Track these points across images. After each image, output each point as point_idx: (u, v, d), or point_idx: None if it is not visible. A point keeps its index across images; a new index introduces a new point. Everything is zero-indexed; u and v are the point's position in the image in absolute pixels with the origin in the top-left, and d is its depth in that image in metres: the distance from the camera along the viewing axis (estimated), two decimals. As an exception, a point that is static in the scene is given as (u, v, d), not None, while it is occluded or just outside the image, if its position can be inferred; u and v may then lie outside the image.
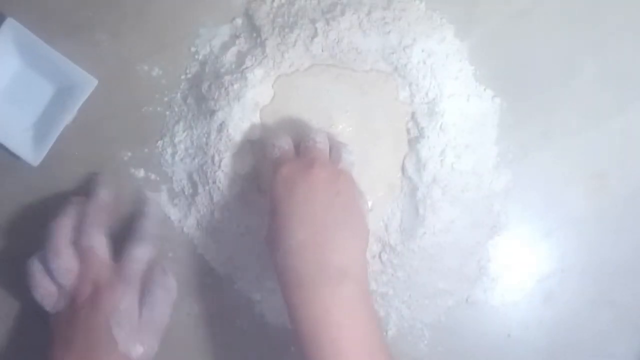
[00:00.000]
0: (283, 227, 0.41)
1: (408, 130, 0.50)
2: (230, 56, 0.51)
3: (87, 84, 0.49)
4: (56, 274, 0.45)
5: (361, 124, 0.50)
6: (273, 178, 0.43)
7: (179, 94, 0.52)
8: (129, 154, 0.52)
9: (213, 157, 0.49)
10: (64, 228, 0.46)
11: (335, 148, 0.46)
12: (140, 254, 0.47)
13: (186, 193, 0.52)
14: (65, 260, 0.45)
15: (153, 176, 0.52)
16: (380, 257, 0.50)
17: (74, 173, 0.52)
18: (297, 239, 0.40)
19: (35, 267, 0.46)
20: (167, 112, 0.52)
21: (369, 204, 0.48)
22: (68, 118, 0.50)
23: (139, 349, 0.43)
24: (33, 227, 0.52)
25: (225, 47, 0.52)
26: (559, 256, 0.51)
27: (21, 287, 0.53)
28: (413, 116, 0.50)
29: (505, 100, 0.51)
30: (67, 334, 0.43)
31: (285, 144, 0.46)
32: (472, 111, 0.50)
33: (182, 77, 0.53)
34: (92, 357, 0.42)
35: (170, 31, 0.53)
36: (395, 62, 0.50)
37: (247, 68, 0.49)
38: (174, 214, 0.52)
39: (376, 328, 0.41)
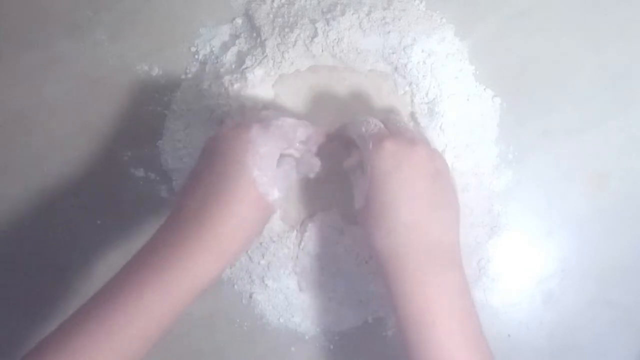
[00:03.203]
0: (389, 204, 0.40)
1: (408, 130, 0.50)
2: (230, 56, 0.51)
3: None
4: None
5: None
6: (375, 153, 0.41)
7: (179, 94, 0.52)
8: (129, 154, 0.52)
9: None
10: None
11: (417, 130, 0.46)
12: (290, 120, 0.43)
13: (186, 193, 0.52)
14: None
15: (153, 176, 0.52)
16: (380, 257, 0.50)
17: (74, 173, 0.52)
18: (404, 218, 0.39)
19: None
20: (167, 112, 0.52)
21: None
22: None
23: (275, 194, 0.41)
24: (33, 227, 0.53)
25: (225, 47, 0.52)
26: (559, 256, 0.51)
27: (22, 286, 0.53)
28: (413, 116, 0.50)
29: (505, 100, 0.51)
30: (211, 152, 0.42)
31: (378, 122, 0.44)
32: (472, 111, 0.50)
33: (182, 77, 0.53)
34: (229, 186, 0.39)
35: (170, 31, 0.53)
36: (395, 62, 0.50)
37: (247, 68, 0.49)
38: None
39: (476, 316, 0.40)
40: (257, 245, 0.50)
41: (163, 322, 0.37)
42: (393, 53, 0.49)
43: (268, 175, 0.40)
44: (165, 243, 0.38)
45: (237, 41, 0.52)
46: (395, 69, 0.50)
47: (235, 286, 0.52)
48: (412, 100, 0.50)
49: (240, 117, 0.49)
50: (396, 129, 0.44)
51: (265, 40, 0.50)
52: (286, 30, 0.50)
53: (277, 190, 0.41)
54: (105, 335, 0.35)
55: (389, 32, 0.49)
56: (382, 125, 0.44)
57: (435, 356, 0.38)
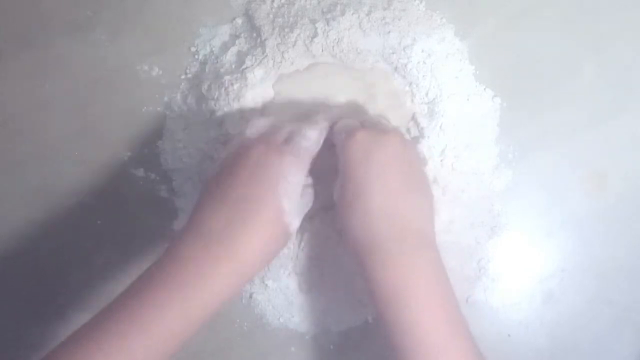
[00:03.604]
0: (361, 191, 0.40)
1: (408, 130, 0.51)
2: (230, 56, 0.51)
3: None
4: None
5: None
6: (347, 142, 0.42)
7: (179, 94, 0.52)
8: (129, 154, 0.52)
9: (213, 157, 0.49)
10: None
11: (390, 124, 0.47)
12: (313, 134, 0.43)
13: (186, 193, 0.52)
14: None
15: (153, 176, 0.52)
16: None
17: (74, 173, 0.52)
18: (377, 204, 0.40)
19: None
20: (167, 112, 0.52)
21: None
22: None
23: (296, 223, 0.41)
24: (33, 227, 0.53)
25: (225, 47, 0.52)
26: (559, 256, 0.51)
27: (22, 286, 0.53)
28: (413, 116, 0.50)
29: (505, 100, 0.51)
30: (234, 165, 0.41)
31: (355, 121, 0.45)
32: (472, 111, 0.50)
33: (182, 77, 0.53)
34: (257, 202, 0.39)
35: (170, 31, 0.53)
36: (395, 62, 0.50)
37: (247, 68, 0.49)
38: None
39: (452, 294, 0.40)
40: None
41: (181, 337, 0.37)
42: (393, 53, 0.49)
43: (293, 205, 0.40)
44: (188, 260, 0.38)
45: (237, 41, 0.52)
46: (395, 69, 0.50)
47: (235, 286, 0.52)
48: (412, 100, 0.50)
49: (239, 117, 0.49)
50: (370, 123, 0.45)
51: (265, 40, 0.50)
52: (286, 30, 0.50)
53: (298, 220, 0.41)
54: (122, 353, 0.35)
55: (389, 32, 0.49)
56: (357, 122, 0.45)
57: (412, 333, 0.38)
